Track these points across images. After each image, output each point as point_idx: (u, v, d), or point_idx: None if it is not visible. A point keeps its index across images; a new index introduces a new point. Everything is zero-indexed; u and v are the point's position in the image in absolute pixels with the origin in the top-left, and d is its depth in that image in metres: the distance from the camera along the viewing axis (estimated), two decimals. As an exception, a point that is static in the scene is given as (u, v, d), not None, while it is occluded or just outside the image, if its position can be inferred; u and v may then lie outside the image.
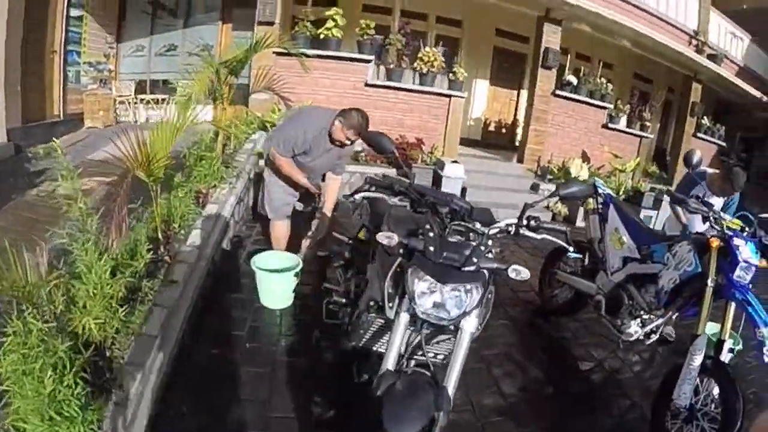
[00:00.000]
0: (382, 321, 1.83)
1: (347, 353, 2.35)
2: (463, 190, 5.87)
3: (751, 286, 2.54)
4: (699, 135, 11.33)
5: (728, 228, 2.67)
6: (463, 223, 1.67)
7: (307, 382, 2.48)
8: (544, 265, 3.98)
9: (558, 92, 7.74)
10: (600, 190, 3.74)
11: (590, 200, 3.86)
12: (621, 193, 8.09)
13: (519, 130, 9.84)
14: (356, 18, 6.08)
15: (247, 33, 6.46)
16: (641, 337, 2.97)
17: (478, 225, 1.66)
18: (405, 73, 5.81)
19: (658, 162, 10.86)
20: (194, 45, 7.39)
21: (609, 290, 3.34)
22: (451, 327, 1.60)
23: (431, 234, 1.56)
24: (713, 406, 2.37)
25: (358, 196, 2.10)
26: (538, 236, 1.73)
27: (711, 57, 10.00)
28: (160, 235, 2.69)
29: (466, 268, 1.51)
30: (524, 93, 9.72)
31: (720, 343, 2.46)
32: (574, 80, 7.88)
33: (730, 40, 11.56)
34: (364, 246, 2.60)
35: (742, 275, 2.55)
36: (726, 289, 2.57)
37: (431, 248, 1.51)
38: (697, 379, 2.39)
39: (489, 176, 6.76)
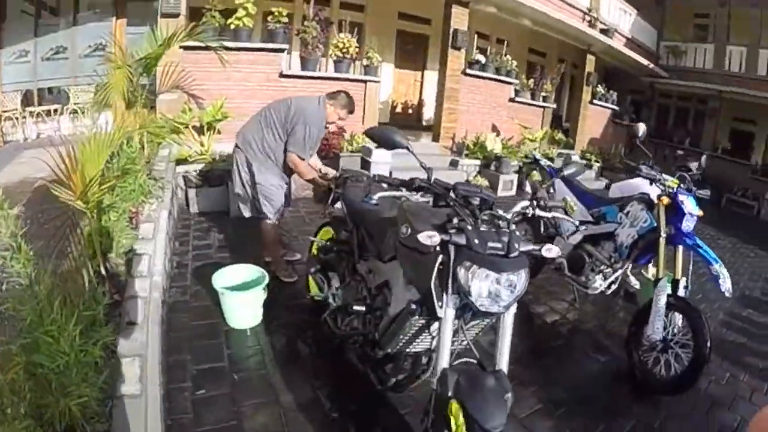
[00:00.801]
0: (423, 321, 1.88)
1: (350, 363, 2.64)
2: (390, 174, 6.10)
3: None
4: (594, 102, 12.54)
5: (670, 187, 3.24)
6: (490, 211, 1.72)
7: (319, 402, 2.48)
8: None
9: (468, 71, 8.18)
10: (542, 163, 4.24)
11: (535, 172, 4.38)
12: (529, 157, 8.80)
13: (425, 110, 10.37)
14: (263, 6, 5.98)
15: (142, 28, 6.12)
16: (604, 289, 3.61)
17: (500, 211, 1.74)
18: (320, 62, 5.85)
19: (555, 128, 11.82)
20: (86, 45, 6.85)
21: (568, 252, 3.81)
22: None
23: (470, 227, 1.62)
24: (682, 334, 2.98)
25: (375, 197, 2.08)
26: (549, 214, 1.96)
27: (603, 31, 11.10)
28: (102, 269, 2.46)
29: (512, 255, 1.60)
30: (428, 73, 10.23)
31: (675, 282, 3.03)
32: (482, 59, 8.37)
33: (619, 15, 12.78)
34: (343, 245, 2.77)
35: (688, 225, 3.16)
36: (676, 238, 3.17)
37: (476, 241, 1.58)
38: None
39: (410, 157, 6.99)
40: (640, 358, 3.16)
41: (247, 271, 3.20)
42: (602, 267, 3.65)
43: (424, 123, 10.50)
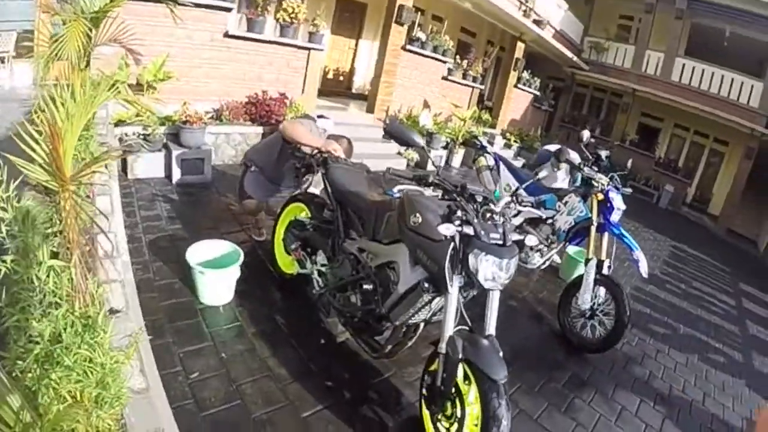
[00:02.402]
0: (430, 297, 2.29)
1: (330, 334, 3.06)
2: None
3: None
4: (519, 86, 13.72)
5: (601, 183, 4.19)
6: (488, 207, 2.19)
7: (312, 372, 2.79)
8: None
9: (408, 47, 8.68)
10: (490, 150, 4.98)
11: (482, 158, 5.05)
12: (460, 137, 9.65)
13: (356, 78, 10.77)
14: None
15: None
16: (539, 265, 4.58)
17: (494, 207, 2.22)
18: (267, 24, 5.96)
19: (478, 106, 12.86)
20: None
21: None
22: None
23: (476, 221, 2.10)
24: (606, 304, 3.97)
25: (396, 189, 2.41)
26: (526, 209, 2.50)
27: (536, 22, 12.30)
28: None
29: (508, 244, 2.12)
30: (362, 42, 10.59)
31: (601, 263, 3.98)
32: (423, 36, 8.90)
33: (552, 9, 14.05)
34: (325, 223, 3.14)
35: (615, 217, 4.11)
36: (605, 227, 4.14)
37: (482, 232, 2.08)
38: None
39: (347, 127, 7.38)
40: (570, 324, 4.15)
41: (221, 247, 3.34)
42: (540, 246, 4.58)
43: (354, 91, 10.88)
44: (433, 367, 2.37)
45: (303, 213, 3.50)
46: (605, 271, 3.97)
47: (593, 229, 4.16)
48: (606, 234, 4.13)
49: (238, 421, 2.33)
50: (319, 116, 6.34)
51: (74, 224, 1.87)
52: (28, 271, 1.70)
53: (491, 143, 10.68)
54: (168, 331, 2.80)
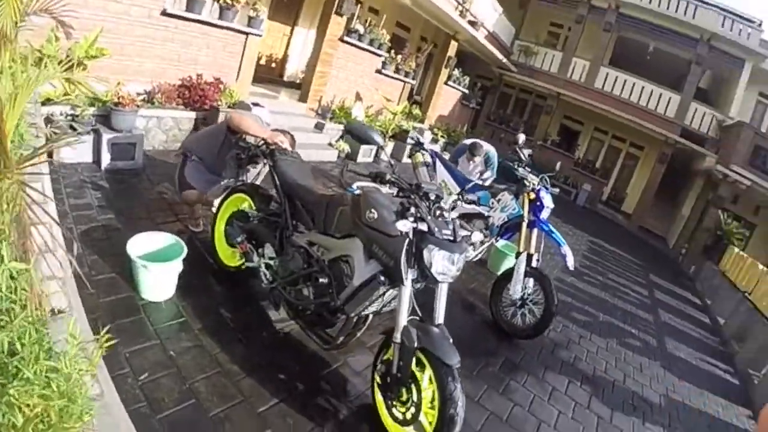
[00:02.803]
0: (384, 289, 2.42)
1: (274, 327, 3.15)
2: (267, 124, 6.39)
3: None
4: (449, 83, 14.20)
5: (532, 183, 4.59)
6: (438, 205, 2.39)
7: (262, 366, 2.83)
8: None
9: (345, 38, 8.73)
10: (427, 147, 5.22)
11: (418, 155, 5.27)
12: (390, 131, 9.87)
13: (288, 66, 10.69)
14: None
15: None
16: (473, 258, 4.92)
17: (443, 204, 2.42)
18: (206, 5, 5.76)
19: (409, 101, 13.20)
20: None
21: None
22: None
23: (430, 218, 2.28)
24: (534, 294, 4.33)
25: (355, 186, 2.51)
26: (470, 207, 2.77)
27: (471, 23, 12.73)
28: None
29: (458, 240, 2.31)
30: (297, 30, 10.52)
31: (530, 256, 4.35)
32: (361, 29, 8.97)
33: (488, 11, 14.66)
34: (272, 216, 3.19)
35: (545, 215, 4.49)
36: (535, 223, 4.50)
37: (436, 229, 2.26)
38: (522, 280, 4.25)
39: (280, 116, 7.38)
40: (502, 313, 4.50)
41: (161, 239, 3.25)
42: (473, 240, 4.85)
43: (285, 79, 10.75)
44: (386, 356, 2.53)
45: (245, 204, 3.51)
46: (534, 264, 4.36)
47: (524, 225, 4.53)
48: (535, 230, 4.50)
49: (196, 420, 2.31)
50: (254, 104, 6.27)
51: (27, 219, 1.75)
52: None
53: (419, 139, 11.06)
54: (111, 330, 2.65)
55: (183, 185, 3.90)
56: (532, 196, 4.52)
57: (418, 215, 2.26)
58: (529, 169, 4.79)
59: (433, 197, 2.40)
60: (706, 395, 5.31)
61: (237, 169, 3.76)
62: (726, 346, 7.92)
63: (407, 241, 2.25)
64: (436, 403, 2.27)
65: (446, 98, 14.66)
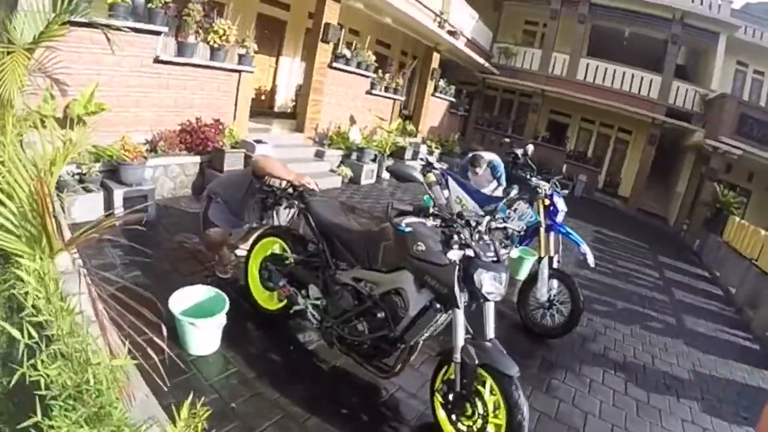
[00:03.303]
0: (438, 316, 2.53)
1: (330, 364, 3.18)
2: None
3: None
4: (436, 95, 14.28)
5: (544, 190, 4.71)
6: (480, 229, 2.52)
7: (324, 404, 2.83)
8: (385, 215, 5.54)
9: (334, 65, 8.80)
10: (437, 166, 5.30)
11: (430, 174, 5.29)
12: (387, 149, 9.88)
13: (277, 97, 10.75)
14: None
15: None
16: None
17: (481, 228, 2.55)
18: (197, 48, 5.79)
19: (400, 116, 13.26)
20: None
21: None
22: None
23: (474, 243, 2.41)
24: (560, 294, 4.42)
25: (404, 224, 2.51)
26: (502, 225, 2.79)
27: (451, 33, 12.86)
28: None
29: (501, 260, 2.44)
30: (283, 60, 10.60)
31: (551, 259, 4.45)
32: (348, 53, 9.05)
33: (465, 19, 14.85)
34: (311, 257, 3.20)
35: (560, 218, 4.60)
36: (552, 228, 4.59)
37: (481, 253, 2.38)
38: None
39: (280, 149, 7.39)
40: (531, 316, 4.55)
41: (201, 292, 3.18)
42: None
43: (276, 110, 10.81)
44: (447, 376, 2.64)
45: (276, 247, 3.53)
46: (555, 265, 4.45)
47: (542, 230, 4.62)
48: (552, 233, 4.58)
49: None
50: (257, 141, 6.30)
51: (95, 293, 1.72)
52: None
53: (417, 152, 11.13)
54: (170, 390, 2.52)
55: (207, 224, 3.85)
56: (547, 202, 4.65)
57: (463, 242, 2.39)
58: (540, 177, 4.92)
59: (473, 223, 2.50)
60: (731, 364, 5.44)
61: (261, 213, 3.76)
62: (741, 314, 7.98)
63: (457, 268, 2.35)
64: (500, 412, 2.39)
65: (434, 109, 14.74)
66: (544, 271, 4.39)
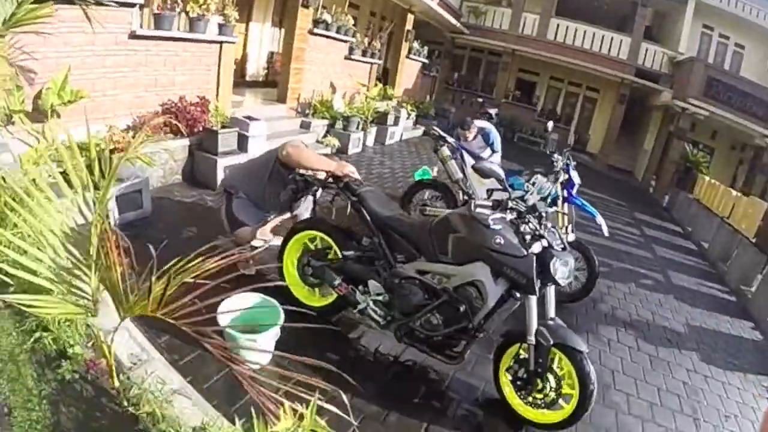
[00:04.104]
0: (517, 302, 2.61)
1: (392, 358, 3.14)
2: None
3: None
4: (410, 56, 13.69)
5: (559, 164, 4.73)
6: (545, 221, 2.62)
7: (398, 396, 2.83)
8: (404, 196, 5.49)
9: (315, 30, 8.16)
10: (449, 140, 5.07)
11: (444, 149, 5.08)
12: (369, 116, 9.42)
13: (248, 65, 10.02)
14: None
15: None
16: None
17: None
18: (175, 19, 5.11)
19: (378, 81, 12.72)
20: None
21: None
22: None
23: (546, 234, 2.52)
24: (577, 262, 4.34)
25: (492, 222, 2.51)
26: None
27: None
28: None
29: (566, 247, 2.59)
30: (253, 26, 9.82)
31: (566, 230, 4.47)
32: (329, 18, 8.40)
33: None
34: (366, 252, 3.05)
35: (575, 190, 4.65)
36: (569, 200, 4.62)
37: (554, 243, 2.51)
38: None
39: (266, 123, 6.84)
40: None
41: (251, 300, 2.82)
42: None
43: (248, 78, 10.08)
44: (515, 355, 2.74)
45: (315, 240, 3.28)
46: (571, 237, 4.49)
47: (560, 203, 4.65)
48: (568, 205, 4.68)
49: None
50: (248, 117, 5.77)
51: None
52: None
53: (398, 117, 10.73)
54: (237, 411, 2.32)
55: (234, 223, 3.46)
56: (564, 176, 4.65)
57: (537, 233, 2.51)
58: (553, 150, 4.93)
59: (544, 214, 2.61)
60: (715, 316, 5.87)
61: (291, 203, 3.43)
62: (715, 268, 8.31)
63: (534, 258, 2.44)
64: (573, 382, 2.55)
65: (409, 72, 14.19)
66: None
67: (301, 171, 3.23)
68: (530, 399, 2.70)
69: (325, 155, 3.55)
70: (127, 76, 4.86)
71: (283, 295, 3.27)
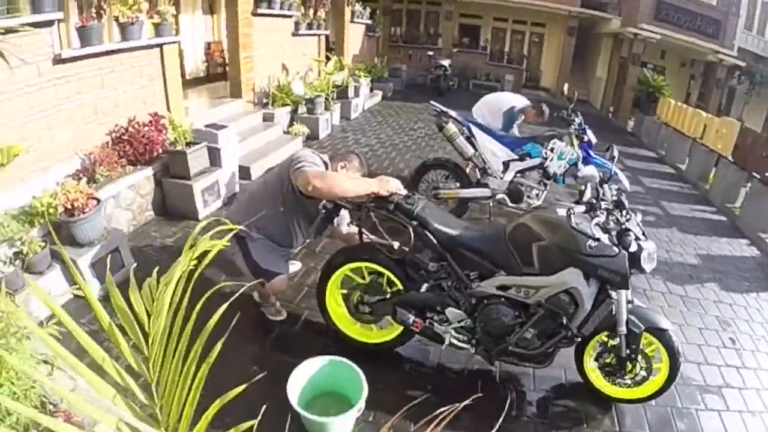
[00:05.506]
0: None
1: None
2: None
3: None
4: (354, 20, 12.70)
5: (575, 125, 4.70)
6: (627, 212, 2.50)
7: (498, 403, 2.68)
8: (412, 180, 5.02)
9: (258, 11, 7.14)
10: (460, 119, 4.64)
11: (449, 126, 4.53)
12: (329, 92, 8.59)
13: (186, 62, 8.82)
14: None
15: None
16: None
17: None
18: (103, 30, 4.07)
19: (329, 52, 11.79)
20: None
21: (507, 188, 4.68)
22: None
23: (631, 230, 2.34)
24: None
25: (590, 230, 2.31)
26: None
27: None
28: None
29: (647, 236, 2.45)
30: (182, 18, 8.55)
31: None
32: (269, -6, 7.36)
33: None
34: (436, 276, 2.67)
35: (593, 150, 4.65)
36: (587, 160, 4.57)
37: (639, 238, 2.35)
38: None
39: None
40: None
41: (318, 364, 2.42)
42: (534, 191, 4.71)
43: (188, 77, 8.92)
44: (603, 343, 2.66)
45: (361, 273, 2.84)
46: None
47: (580, 164, 4.50)
48: (589, 166, 4.47)
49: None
50: (213, 126, 4.92)
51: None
52: None
53: (357, 87, 9.93)
54: None
55: (263, 273, 2.82)
56: (583, 137, 4.58)
57: (624, 228, 2.34)
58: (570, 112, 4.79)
59: (625, 205, 2.51)
60: (716, 240, 5.93)
61: (322, 228, 3.02)
62: (697, 189, 8.31)
63: (626, 255, 2.30)
64: (663, 358, 2.56)
65: (354, 37, 13.17)
66: (587, 194, 4.18)
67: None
68: (620, 381, 2.69)
69: (364, 176, 2.92)
70: (61, 110, 3.83)
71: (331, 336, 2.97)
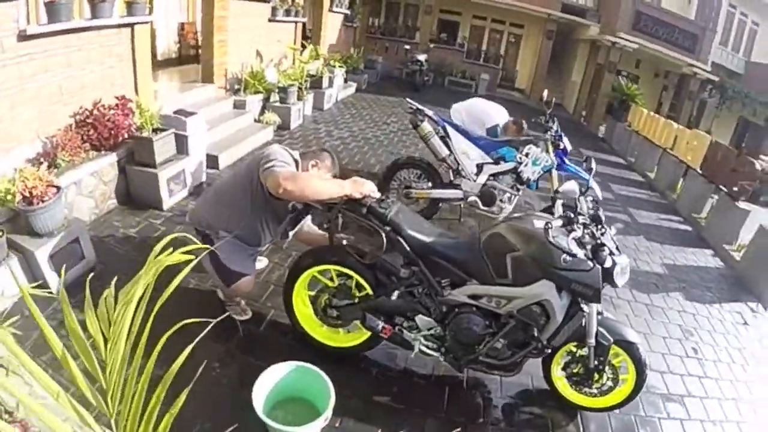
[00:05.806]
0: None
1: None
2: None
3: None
4: (333, 9, 12.57)
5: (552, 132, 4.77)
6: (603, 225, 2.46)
7: (471, 412, 2.83)
8: (383, 178, 4.97)
9: (235, -5, 6.93)
10: (436, 118, 4.46)
11: (424, 125, 4.49)
12: (303, 79, 8.48)
13: (158, 42, 8.52)
14: None
15: None
16: (508, 211, 4.74)
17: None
18: (73, 6, 3.86)
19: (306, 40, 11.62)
20: None
21: (480, 191, 4.67)
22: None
23: (607, 242, 2.32)
24: None
25: (567, 244, 2.27)
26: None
27: None
28: None
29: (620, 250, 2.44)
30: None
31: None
32: (249, -22, 7.15)
33: None
34: (406, 283, 2.63)
35: (567, 158, 4.76)
36: (561, 167, 4.69)
37: (613, 253, 2.30)
38: None
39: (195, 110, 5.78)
40: None
41: (284, 370, 2.37)
42: (507, 195, 4.72)
43: (159, 58, 8.62)
44: (577, 354, 2.69)
45: (330, 275, 2.78)
46: None
47: (554, 171, 4.62)
48: (560, 172, 4.67)
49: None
50: (181, 113, 4.76)
51: None
52: None
53: (331, 78, 9.80)
54: None
55: (229, 275, 2.74)
56: (560, 145, 4.64)
57: (599, 242, 2.30)
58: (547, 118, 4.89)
59: (601, 219, 2.48)
60: (682, 250, 6.09)
61: (287, 229, 2.96)
62: (665, 198, 8.53)
63: (600, 269, 2.28)
64: (630, 369, 2.64)
65: (332, 26, 12.99)
66: (559, 209, 4.22)
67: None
68: (586, 390, 2.75)
69: (336, 175, 2.88)
70: (26, 89, 3.60)
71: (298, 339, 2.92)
